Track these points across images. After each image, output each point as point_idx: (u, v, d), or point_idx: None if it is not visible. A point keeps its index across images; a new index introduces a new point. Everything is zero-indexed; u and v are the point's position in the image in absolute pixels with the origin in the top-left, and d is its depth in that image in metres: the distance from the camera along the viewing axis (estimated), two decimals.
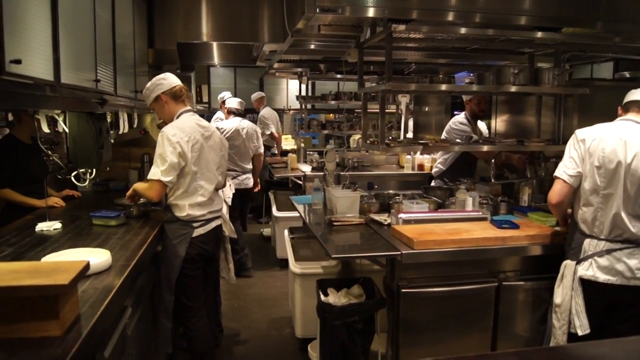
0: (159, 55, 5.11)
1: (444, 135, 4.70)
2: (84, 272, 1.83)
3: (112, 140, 4.15)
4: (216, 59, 7.06)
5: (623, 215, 2.58)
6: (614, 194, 2.60)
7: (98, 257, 2.35)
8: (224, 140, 3.45)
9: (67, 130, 3.59)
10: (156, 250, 3.17)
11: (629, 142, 2.59)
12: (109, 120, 4.00)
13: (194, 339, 3.32)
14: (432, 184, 4.86)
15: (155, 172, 2.99)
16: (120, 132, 4.10)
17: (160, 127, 3.22)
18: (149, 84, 3.26)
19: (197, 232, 3.17)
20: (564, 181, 2.72)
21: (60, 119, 3.30)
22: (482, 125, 4.83)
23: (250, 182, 5.84)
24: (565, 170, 2.73)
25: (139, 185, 3.20)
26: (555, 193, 2.76)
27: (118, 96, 3.53)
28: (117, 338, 2.13)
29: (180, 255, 3.12)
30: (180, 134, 3.04)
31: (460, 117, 4.68)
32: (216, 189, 3.33)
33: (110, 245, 2.74)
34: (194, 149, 3.07)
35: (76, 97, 2.70)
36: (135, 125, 4.53)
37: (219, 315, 4.11)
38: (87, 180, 4.01)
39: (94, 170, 4.01)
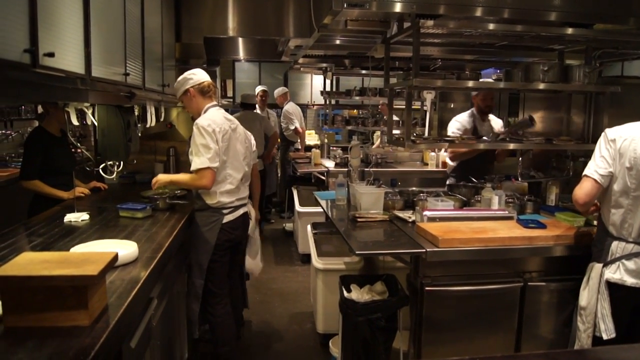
0: (186, 49, 5.14)
1: None
2: (113, 263, 1.86)
3: (139, 134, 4.20)
4: (242, 54, 7.10)
5: None
6: None
7: (125, 248, 2.39)
8: (248, 133, 3.57)
9: (95, 123, 3.65)
10: (182, 243, 3.21)
11: None
12: (136, 113, 4.05)
13: (217, 326, 3.40)
14: (447, 181, 4.81)
15: (202, 161, 3.09)
16: (148, 125, 4.15)
17: (194, 119, 3.29)
18: (179, 78, 3.37)
19: (227, 218, 3.30)
20: (595, 181, 2.60)
21: (89, 112, 3.35)
22: (497, 121, 4.76)
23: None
24: (596, 169, 2.62)
25: (184, 177, 3.32)
26: (584, 193, 2.64)
27: (146, 90, 3.56)
28: (143, 329, 2.16)
29: (211, 241, 3.25)
30: (213, 124, 3.17)
31: (463, 113, 4.68)
32: (244, 180, 3.45)
33: (137, 237, 2.78)
34: (224, 139, 3.21)
35: (106, 90, 2.74)
36: (162, 119, 4.58)
37: (246, 301, 4.09)
38: (114, 173, 4.07)
39: (122, 162, 4.06)
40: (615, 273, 2.59)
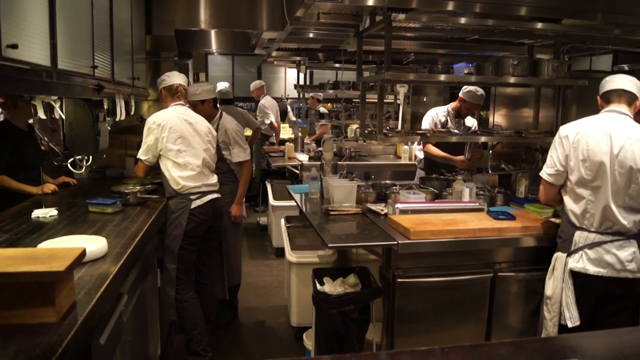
0: (157, 42, 5.07)
1: None
2: (80, 259, 1.83)
3: (108, 128, 4.13)
4: (214, 47, 7.03)
5: (613, 207, 2.58)
6: (602, 187, 2.59)
7: (94, 244, 2.35)
8: (212, 130, 3.77)
9: (63, 116, 3.57)
10: (153, 237, 3.17)
11: (613, 135, 2.58)
12: (105, 107, 3.98)
13: (185, 310, 3.46)
14: (417, 174, 4.84)
15: (139, 153, 3.53)
16: (117, 119, 4.08)
17: None
18: (159, 79, 3.67)
19: (195, 203, 3.47)
20: (545, 180, 2.80)
21: (56, 106, 3.28)
22: (471, 121, 4.82)
23: None
24: (545, 169, 2.80)
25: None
26: (542, 192, 2.87)
27: (115, 83, 3.51)
28: (112, 325, 2.14)
29: (182, 224, 3.42)
30: (158, 120, 3.44)
31: (439, 108, 4.73)
32: (208, 168, 3.61)
33: (107, 232, 2.74)
34: (172, 130, 3.43)
35: (73, 83, 2.68)
36: (132, 113, 4.50)
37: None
38: (84, 168, 4.00)
39: (90, 157, 3.99)
40: (579, 262, 2.65)
